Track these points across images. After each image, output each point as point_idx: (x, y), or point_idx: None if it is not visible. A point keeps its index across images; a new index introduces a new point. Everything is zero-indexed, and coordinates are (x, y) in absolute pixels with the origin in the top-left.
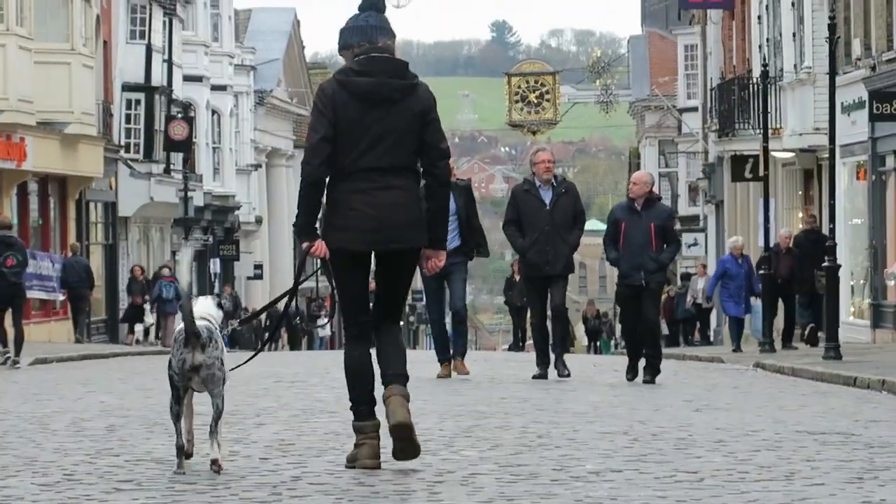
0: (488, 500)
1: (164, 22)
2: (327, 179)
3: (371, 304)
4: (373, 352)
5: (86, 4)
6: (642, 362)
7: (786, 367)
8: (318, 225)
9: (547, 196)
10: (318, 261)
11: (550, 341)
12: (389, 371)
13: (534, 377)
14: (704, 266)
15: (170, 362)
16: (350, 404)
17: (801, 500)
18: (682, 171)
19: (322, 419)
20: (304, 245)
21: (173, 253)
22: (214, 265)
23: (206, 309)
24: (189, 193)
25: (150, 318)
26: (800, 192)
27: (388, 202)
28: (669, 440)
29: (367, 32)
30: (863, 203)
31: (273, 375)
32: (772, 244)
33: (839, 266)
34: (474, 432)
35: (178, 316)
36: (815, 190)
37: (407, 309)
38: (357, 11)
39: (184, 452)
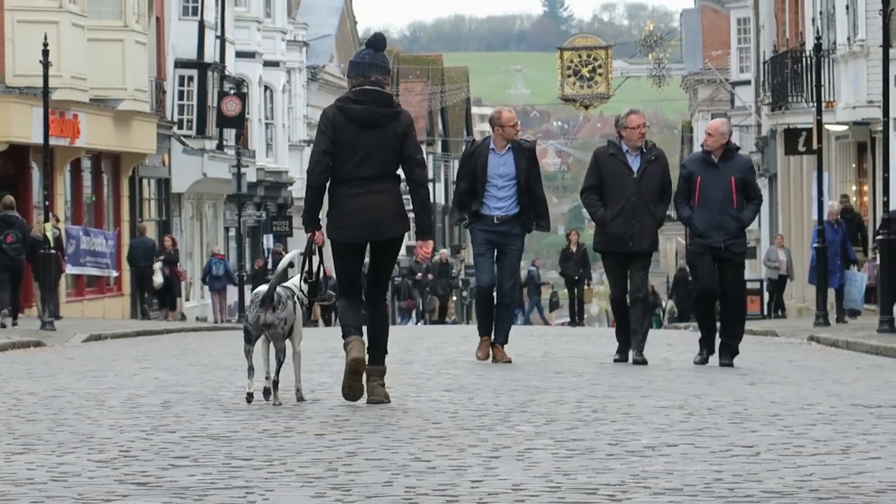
0: (544, 475)
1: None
2: (328, 184)
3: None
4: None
5: None
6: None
7: (840, 341)
8: (321, 218)
9: (635, 163)
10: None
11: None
12: (370, 352)
13: (615, 360)
14: (782, 237)
15: (246, 317)
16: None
17: (857, 473)
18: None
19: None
20: (308, 235)
21: (226, 229)
22: (268, 241)
23: (292, 281)
24: (242, 169)
25: (158, 278)
26: (853, 166)
27: (376, 203)
28: (725, 414)
29: (362, 68)
30: None
31: (328, 351)
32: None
33: (894, 239)
34: (529, 407)
35: (229, 291)
36: (868, 163)
37: (460, 284)
38: (364, 46)
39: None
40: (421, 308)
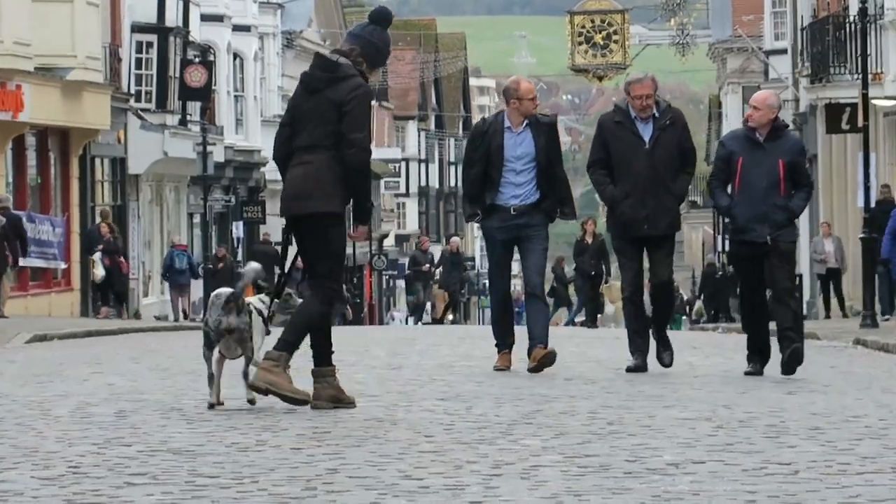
0: (552, 496)
1: None
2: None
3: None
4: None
5: None
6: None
7: (890, 345)
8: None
9: (646, 131)
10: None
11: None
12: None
13: (628, 370)
14: (828, 224)
15: (206, 320)
16: None
17: None
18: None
19: (361, 403)
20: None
21: (190, 215)
22: (237, 229)
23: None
24: (208, 148)
25: (99, 270)
26: None
27: (301, 174)
28: (759, 427)
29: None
30: None
31: (305, 354)
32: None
33: None
34: (536, 418)
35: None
36: None
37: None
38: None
39: (216, 383)
40: (421, 301)
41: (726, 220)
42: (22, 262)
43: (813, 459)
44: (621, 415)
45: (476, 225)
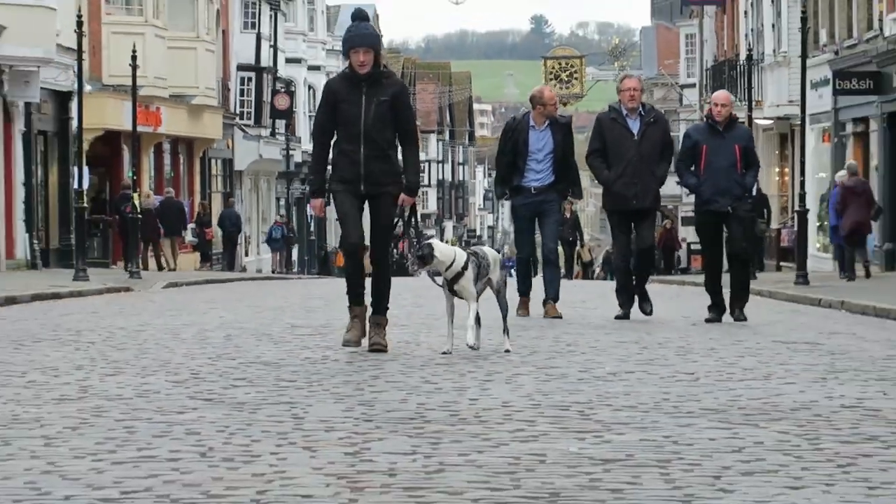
0: (527, 395)
1: (271, 15)
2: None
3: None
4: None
5: (208, 2)
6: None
7: (764, 290)
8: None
9: (635, 125)
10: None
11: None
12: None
13: (617, 317)
14: None
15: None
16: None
17: (776, 395)
18: (682, 136)
19: (393, 332)
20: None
21: (277, 199)
22: (310, 209)
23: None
24: (290, 152)
25: (189, 237)
26: (776, 152)
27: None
28: (672, 348)
29: None
30: (827, 160)
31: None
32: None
33: (807, 210)
34: (517, 341)
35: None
36: (789, 150)
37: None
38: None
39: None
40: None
41: (692, 195)
42: (184, 234)
43: (709, 370)
44: (576, 339)
45: (480, 209)
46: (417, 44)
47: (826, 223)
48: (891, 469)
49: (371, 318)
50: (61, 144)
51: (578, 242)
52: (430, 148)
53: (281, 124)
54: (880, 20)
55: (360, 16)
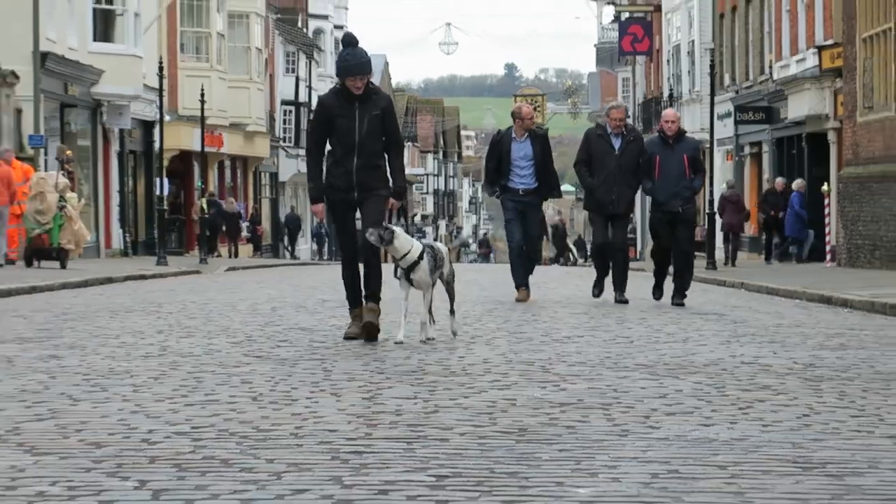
0: (502, 353)
1: (307, 62)
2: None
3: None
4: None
5: (258, 52)
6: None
7: (705, 278)
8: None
9: (617, 142)
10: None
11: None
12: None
13: (594, 296)
14: None
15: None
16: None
17: (692, 354)
18: None
19: (388, 318)
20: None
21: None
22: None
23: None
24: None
25: (244, 232)
26: None
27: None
28: (612, 317)
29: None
30: (731, 175)
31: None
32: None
33: (715, 213)
34: (494, 312)
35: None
36: None
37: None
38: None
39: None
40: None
41: (649, 197)
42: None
43: (640, 335)
44: (539, 311)
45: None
46: (418, 84)
47: None
48: (780, 411)
49: (366, 306)
50: (147, 161)
51: (545, 238)
52: (428, 164)
53: None
54: (770, 67)
55: (351, 41)
